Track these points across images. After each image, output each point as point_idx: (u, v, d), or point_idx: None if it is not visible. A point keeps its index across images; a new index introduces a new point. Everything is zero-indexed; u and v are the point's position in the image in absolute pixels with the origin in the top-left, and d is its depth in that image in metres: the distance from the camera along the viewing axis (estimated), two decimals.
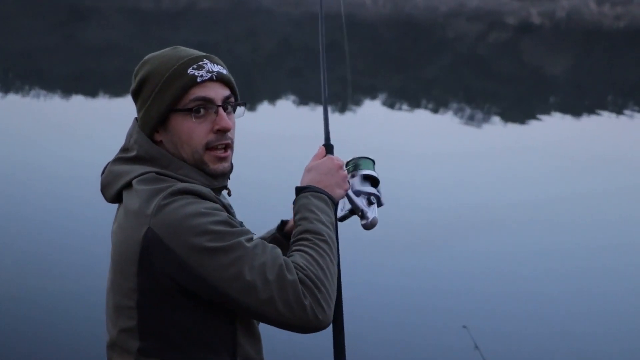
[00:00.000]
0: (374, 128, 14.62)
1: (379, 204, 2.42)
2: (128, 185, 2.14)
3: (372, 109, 17.42)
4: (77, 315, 6.15)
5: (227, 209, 2.16)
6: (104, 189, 2.25)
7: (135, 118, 2.26)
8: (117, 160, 2.23)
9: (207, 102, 2.16)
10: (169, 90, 2.15)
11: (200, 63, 2.18)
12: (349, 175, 2.42)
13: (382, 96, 19.20)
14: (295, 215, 2.24)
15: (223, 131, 2.18)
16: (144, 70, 2.21)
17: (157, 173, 2.13)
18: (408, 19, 36.29)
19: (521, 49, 30.61)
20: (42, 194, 9.16)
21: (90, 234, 7.61)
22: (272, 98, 17.31)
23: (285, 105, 16.58)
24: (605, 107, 19.06)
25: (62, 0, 33.47)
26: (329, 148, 2.43)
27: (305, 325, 2.02)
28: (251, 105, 16.82)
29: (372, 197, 2.40)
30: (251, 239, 2.06)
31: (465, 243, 8.34)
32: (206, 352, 2.10)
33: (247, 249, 2.01)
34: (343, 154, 2.43)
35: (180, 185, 2.08)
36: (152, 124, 2.18)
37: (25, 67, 19.78)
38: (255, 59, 22.95)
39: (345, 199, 2.39)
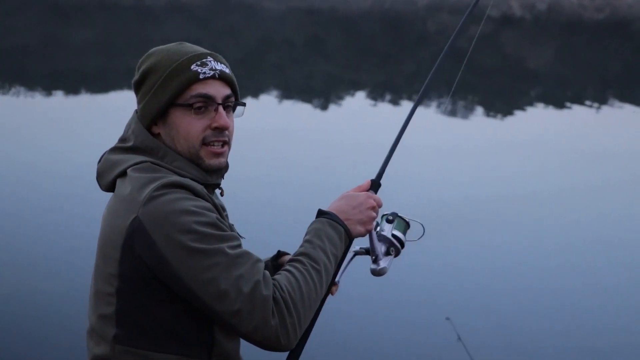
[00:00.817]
0: (357, 122, 14.63)
1: (396, 255, 2.44)
2: (123, 173, 2.15)
3: (355, 103, 17.44)
4: (75, 315, 6.13)
5: (219, 210, 2.16)
6: (99, 177, 2.26)
7: (135, 110, 2.26)
8: (114, 149, 2.24)
9: (207, 99, 2.17)
10: (171, 84, 2.16)
11: (204, 60, 2.19)
12: (385, 220, 2.43)
13: (364, 90, 19.22)
14: (305, 235, 2.24)
15: (221, 129, 2.19)
16: (148, 62, 2.22)
17: (153, 163, 2.15)
18: (389, 13, 36.30)
19: (503, 41, 30.70)
20: (30, 189, 9.12)
21: (75, 228, 7.60)
22: (255, 93, 17.30)
23: (269, 100, 16.57)
24: (587, 99, 19.15)
25: None
26: (375, 186, 2.45)
27: (265, 342, 2.01)
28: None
29: (391, 249, 2.41)
30: (237, 246, 2.05)
31: (448, 236, 8.36)
32: (181, 345, 2.10)
33: (229, 257, 2.01)
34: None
35: (175, 177, 2.09)
36: (152, 116, 2.19)
37: (5, 65, 19.68)
38: (237, 55, 22.90)
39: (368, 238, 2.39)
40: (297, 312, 2.03)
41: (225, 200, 2.37)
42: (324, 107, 16.69)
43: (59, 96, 16.66)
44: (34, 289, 6.61)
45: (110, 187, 2.21)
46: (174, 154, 2.18)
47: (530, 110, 17.28)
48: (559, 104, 17.93)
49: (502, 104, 18.35)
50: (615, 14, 38.05)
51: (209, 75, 2.18)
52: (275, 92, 17.72)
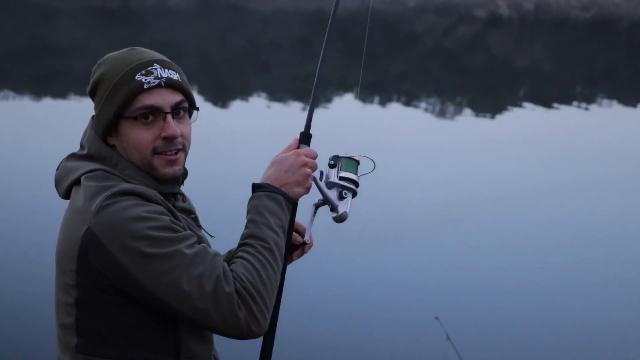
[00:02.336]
0: (347, 123, 14.63)
1: (354, 195, 2.39)
2: (77, 181, 2.15)
3: (344, 104, 17.44)
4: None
5: (174, 213, 2.13)
6: (57, 184, 2.25)
7: (92, 116, 2.25)
8: (71, 156, 2.24)
9: (154, 110, 2.14)
10: (116, 97, 2.13)
11: (149, 68, 2.15)
12: (328, 166, 2.39)
13: (353, 91, 19.22)
14: (246, 214, 2.22)
15: (170, 138, 2.15)
16: (98, 72, 2.20)
17: (105, 171, 2.13)
18: (376, 13, 36.32)
19: (490, 41, 30.76)
20: (20, 192, 9.10)
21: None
22: (244, 95, 17.28)
23: (258, 102, 16.55)
24: (574, 97, 19.22)
25: (27, 0, 33.19)
26: (305, 137, 2.40)
27: (238, 334, 2.03)
28: (223, 103, 16.78)
29: (344, 192, 2.37)
30: (193, 245, 2.05)
31: (437, 236, 8.38)
32: (144, 351, 2.09)
33: (186, 257, 2.00)
34: (320, 152, 2.40)
35: (125, 185, 2.07)
36: (103, 128, 2.17)
37: None
38: (224, 57, 22.87)
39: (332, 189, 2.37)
40: (262, 297, 2.04)
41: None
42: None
43: (47, 100, 16.62)
44: (25, 291, 6.60)
45: (67, 195, 2.20)
46: (125, 163, 2.16)
47: (517, 109, 17.32)
48: (547, 103, 17.98)
49: (490, 104, 18.39)
50: (602, 13, 38.18)
51: (154, 84, 2.13)
52: (263, 94, 17.72)
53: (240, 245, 2.16)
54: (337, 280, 7.04)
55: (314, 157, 2.33)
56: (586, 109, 17.62)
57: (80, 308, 2.08)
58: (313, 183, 2.32)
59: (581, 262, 7.88)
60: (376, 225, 8.55)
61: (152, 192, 2.09)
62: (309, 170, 2.29)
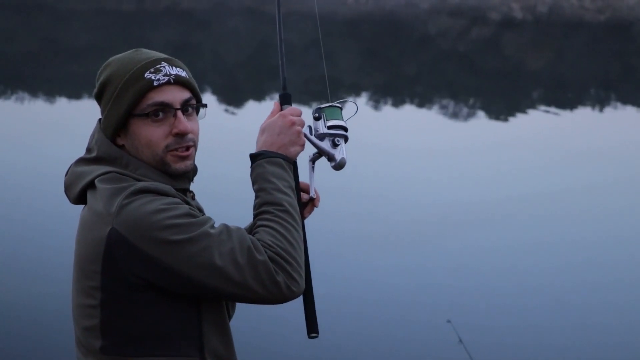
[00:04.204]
0: (359, 125, 14.63)
1: (346, 140, 2.42)
2: (91, 185, 2.16)
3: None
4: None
5: (190, 204, 2.17)
6: (67, 190, 2.27)
7: (99, 119, 2.28)
8: (80, 161, 2.26)
9: (164, 107, 2.17)
10: (126, 95, 2.16)
11: (157, 66, 2.18)
12: (313, 120, 2.42)
13: (366, 93, 19.23)
14: (253, 185, 2.26)
15: (182, 134, 2.18)
16: (105, 74, 2.23)
17: (118, 173, 2.15)
18: (390, 15, 36.31)
19: (504, 44, 30.71)
20: (36, 196, 9.14)
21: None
22: (258, 97, 17.31)
23: (271, 104, 16.49)
24: (588, 101, 19.16)
25: (42, 3, 33.32)
26: (284, 98, 2.44)
27: (281, 298, 2.07)
28: (238, 105, 16.81)
29: (336, 139, 2.41)
30: (214, 226, 2.09)
31: (449, 238, 8.37)
32: (169, 347, 2.11)
33: (213, 237, 2.04)
34: None
35: (141, 184, 2.09)
36: (113, 128, 2.20)
37: (7, 71, 19.70)
38: (238, 58, 22.90)
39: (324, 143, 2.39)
40: (293, 258, 2.09)
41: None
42: None
43: (61, 101, 16.68)
44: (28, 292, 6.63)
45: (78, 200, 2.22)
46: (136, 162, 2.18)
47: (531, 111, 17.28)
48: (561, 106, 17.93)
49: (503, 106, 18.35)
50: (616, 15, 38.05)
51: (164, 81, 2.17)
52: (277, 95, 17.69)
53: (257, 215, 2.20)
54: (350, 282, 7.04)
55: (299, 115, 2.37)
56: (600, 111, 17.56)
57: (106, 309, 2.09)
58: (305, 139, 2.36)
59: (595, 263, 7.86)
60: (389, 227, 8.55)
61: (167, 187, 2.12)
62: (298, 127, 2.33)
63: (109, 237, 2.05)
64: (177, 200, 2.10)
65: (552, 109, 17.49)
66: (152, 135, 2.17)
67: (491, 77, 22.80)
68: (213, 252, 2.03)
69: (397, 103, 18.35)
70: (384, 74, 22.57)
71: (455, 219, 9.01)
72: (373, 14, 36.76)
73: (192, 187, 2.32)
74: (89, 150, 2.26)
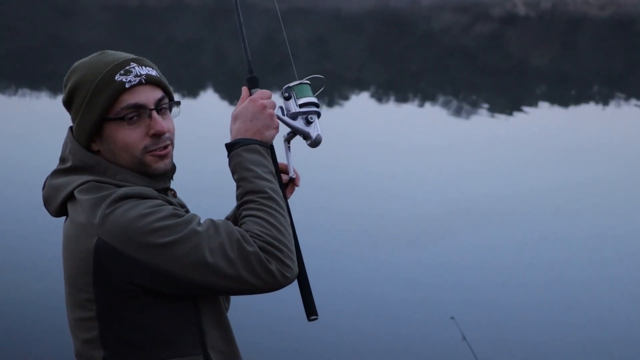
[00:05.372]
0: (363, 122, 14.64)
1: (319, 116, 2.40)
2: (70, 196, 2.13)
3: (360, 103, 17.44)
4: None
5: (172, 203, 2.14)
6: (46, 204, 2.23)
7: (70, 127, 2.23)
8: (55, 172, 2.21)
9: (139, 108, 2.13)
10: (98, 100, 2.11)
11: (127, 67, 2.13)
12: (284, 100, 2.40)
13: (369, 90, 19.22)
14: (233, 175, 2.23)
15: (159, 135, 2.15)
16: (72, 79, 2.17)
17: (96, 181, 2.11)
18: (393, 12, 36.29)
19: (507, 40, 30.68)
20: (39, 192, 9.14)
21: None
22: None
23: (274, 100, 16.51)
24: (591, 97, 19.14)
25: None
26: (252, 82, 2.40)
27: (276, 286, 2.06)
28: None
29: (309, 117, 2.38)
30: (200, 223, 2.06)
31: (452, 235, 8.37)
32: (172, 348, 2.10)
33: (201, 234, 2.02)
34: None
35: (121, 190, 2.06)
36: (87, 134, 2.15)
37: (10, 67, 19.72)
38: (241, 55, 22.83)
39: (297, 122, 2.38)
40: (284, 244, 2.08)
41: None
42: (328, 106, 16.68)
43: None
44: (28, 289, 6.63)
45: (59, 212, 2.19)
46: (114, 167, 2.15)
47: (534, 108, 17.27)
48: (564, 102, 17.91)
49: (506, 103, 18.33)
50: (620, 12, 38.01)
51: (135, 82, 2.12)
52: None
53: (240, 205, 2.17)
54: (353, 278, 7.04)
55: (269, 97, 2.34)
56: (603, 108, 17.53)
57: (103, 320, 2.08)
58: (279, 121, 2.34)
59: (598, 259, 7.86)
60: (391, 223, 8.55)
61: (148, 190, 2.09)
62: (270, 110, 2.30)
63: (97, 248, 2.02)
64: (160, 201, 2.07)
65: (555, 106, 17.47)
66: (128, 138, 2.13)
67: (494, 74, 22.78)
68: (203, 249, 2.01)
69: (400, 99, 18.34)
70: (387, 70, 22.55)
71: (459, 215, 9.01)
72: (376, 10, 36.73)
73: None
74: (63, 160, 2.21)
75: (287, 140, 2.42)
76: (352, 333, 6.13)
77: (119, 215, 2.01)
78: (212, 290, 2.05)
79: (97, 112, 2.12)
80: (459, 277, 7.30)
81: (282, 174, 2.37)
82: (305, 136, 2.37)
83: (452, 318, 4.55)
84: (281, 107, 2.38)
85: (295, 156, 2.43)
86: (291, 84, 2.41)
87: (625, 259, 7.93)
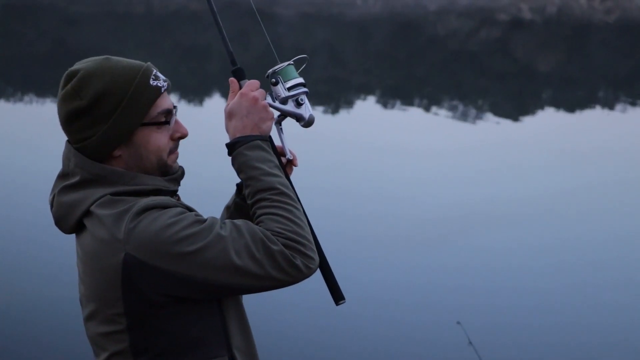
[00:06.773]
0: (368, 126, 14.64)
1: (307, 95, 2.40)
2: (86, 213, 2.12)
3: (366, 108, 17.44)
4: (77, 319, 6.15)
5: (190, 209, 2.16)
6: (58, 223, 2.21)
7: (68, 141, 2.22)
8: (63, 189, 2.18)
9: (169, 113, 2.19)
10: (138, 105, 2.13)
11: (155, 73, 2.18)
12: (271, 85, 2.39)
13: (375, 94, 19.22)
14: (239, 174, 2.25)
15: (184, 137, 2.23)
16: (94, 85, 2.13)
17: (111, 194, 2.11)
18: (399, 17, 36.30)
19: (512, 45, 30.66)
20: (45, 198, 9.16)
21: None
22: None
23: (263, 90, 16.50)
24: (597, 102, 19.12)
25: (52, 5, 33.42)
26: (238, 74, 2.39)
27: (302, 278, 2.10)
28: None
29: (299, 98, 2.39)
30: (223, 226, 2.08)
31: (459, 239, 8.36)
32: (200, 351, 2.14)
33: (225, 238, 2.04)
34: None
35: (142, 203, 2.06)
36: (118, 139, 2.14)
37: (16, 74, 19.76)
38: (248, 60, 22.87)
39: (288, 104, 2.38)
40: (304, 237, 2.12)
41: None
42: (334, 111, 16.69)
43: None
44: (32, 293, 6.64)
45: (74, 230, 2.18)
46: (129, 173, 2.15)
47: (540, 113, 17.25)
48: (570, 107, 17.89)
49: (512, 107, 18.32)
50: (625, 16, 37.96)
51: (166, 87, 2.18)
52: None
53: (253, 204, 2.19)
54: (359, 283, 7.04)
55: (258, 87, 2.34)
56: (609, 112, 17.51)
57: (134, 332, 2.10)
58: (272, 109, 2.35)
59: (605, 262, 7.85)
60: (398, 227, 8.55)
61: (166, 199, 2.11)
62: (263, 102, 2.31)
63: (125, 263, 2.03)
64: (181, 209, 2.09)
65: (561, 111, 17.45)
66: (160, 142, 2.17)
67: (500, 78, 22.76)
68: (229, 252, 2.03)
69: (406, 104, 18.34)
70: (392, 75, 22.55)
71: (465, 220, 9.00)
72: (382, 15, 36.74)
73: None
74: (67, 175, 2.19)
75: (278, 122, 2.42)
76: (357, 337, 6.13)
77: (144, 228, 2.03)
78: (242, 290, 2.10)
79: (137, 117, 2.13)
80: (464, 281, 7.29)
81: (280, 156, 2.38)
82: (298, 118, 2.39)
83: (458, 323, 4.55)
84: (270, 94, 2.39)
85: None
86: (276, 68, 2.41)
87: (633, 263, 7.92)
